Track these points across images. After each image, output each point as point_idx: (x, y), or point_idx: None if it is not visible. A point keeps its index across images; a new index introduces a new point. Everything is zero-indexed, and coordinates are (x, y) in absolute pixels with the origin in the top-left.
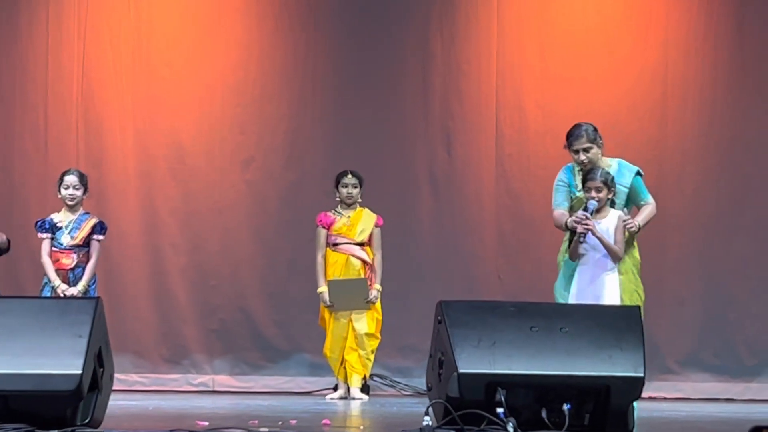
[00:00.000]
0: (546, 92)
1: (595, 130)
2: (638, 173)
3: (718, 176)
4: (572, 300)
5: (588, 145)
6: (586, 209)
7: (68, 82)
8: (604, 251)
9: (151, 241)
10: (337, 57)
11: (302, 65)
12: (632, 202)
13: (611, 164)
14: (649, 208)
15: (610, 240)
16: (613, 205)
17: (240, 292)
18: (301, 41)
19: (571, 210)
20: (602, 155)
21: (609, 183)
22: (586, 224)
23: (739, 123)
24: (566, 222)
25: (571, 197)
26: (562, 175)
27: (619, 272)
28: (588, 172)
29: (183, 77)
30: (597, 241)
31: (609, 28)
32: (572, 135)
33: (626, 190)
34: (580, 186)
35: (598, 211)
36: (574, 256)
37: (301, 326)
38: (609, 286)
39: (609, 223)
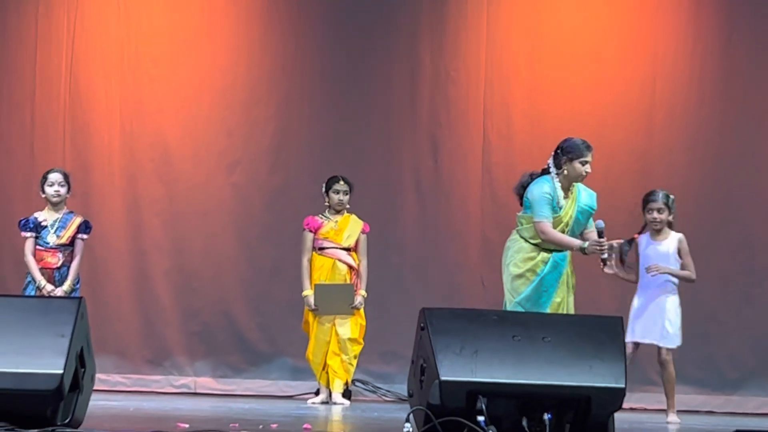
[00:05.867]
0: (533, 101)
1: None
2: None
3: (702, 190)
4: (632, 315)
5: (591, 159)
6: (600, 234)
7: (56, 82)
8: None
9: (136, 243)
10: (326, 62)
11: (290, 70)
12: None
13: (573, 186)
14: None
15: (675, 265)
16: (671, 227)
17: (223, 296)
18: (289, 46)
19: (601, 234)
20: None
21: (669, 204)
22: (602, 248)
23: (724, 138)
24: (584, 248)
25: (554, 216)
26: (547, 188)
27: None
28: (649, 194)
29: (171, 79)
30: (661, 263)
31: (598, 39)
32: (587, 146)
33: (592, 212)
34: (561, 201)
35: (658, 232)
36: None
37: (283, 330)
38: (669, 308)
39: (669, 245)
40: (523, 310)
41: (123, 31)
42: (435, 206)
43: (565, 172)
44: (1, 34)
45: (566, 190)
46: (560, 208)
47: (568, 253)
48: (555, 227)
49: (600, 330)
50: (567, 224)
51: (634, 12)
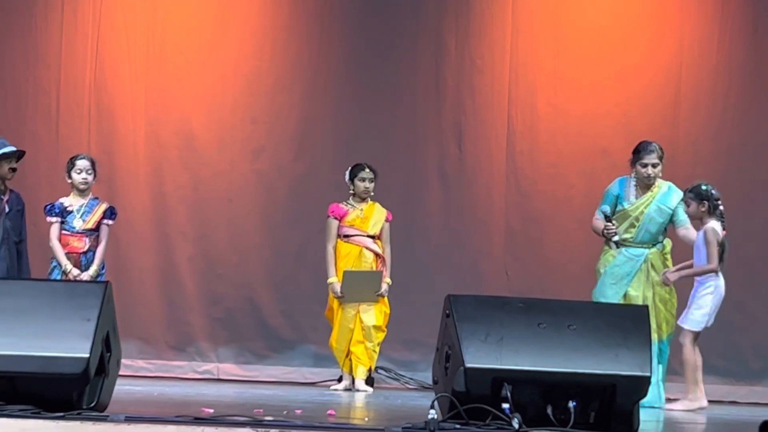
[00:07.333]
0: (558, 91)
1: (662, 149)
2: (683, 199)
3: (727, 180)
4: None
5: (656, 160)
6: (606, 218)
7: (81, 67)
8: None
9: (160, 229)
10: (351, 49)
11: (315, 56)
12: (673, 223)
13: (662, 185)
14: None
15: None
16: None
17: (246, 282)
18: (315, 33)
19: (608, 218)
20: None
21: (692, 196)
22: (610, 231)
23: (750, 127)
24: (602, 230)
25: (616, 209)
26: (612, 188)
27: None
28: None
29: (196, 65)
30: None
31: (624, 28)
32: (645, 149)
33: (670, 212)
34: (631, 198)
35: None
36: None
37: (306, 317)
38: (698, 294)
39: (700, 236)
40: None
41: (148, 17)
42: (459, 194)
43: (634, 173)
44: (28, 21)
45: (644, 188)
46: (629, 204)
47: (648, 250)
48: (623, 221)
49: (626, 318)
50: (637, 218)
51: (660, 1)
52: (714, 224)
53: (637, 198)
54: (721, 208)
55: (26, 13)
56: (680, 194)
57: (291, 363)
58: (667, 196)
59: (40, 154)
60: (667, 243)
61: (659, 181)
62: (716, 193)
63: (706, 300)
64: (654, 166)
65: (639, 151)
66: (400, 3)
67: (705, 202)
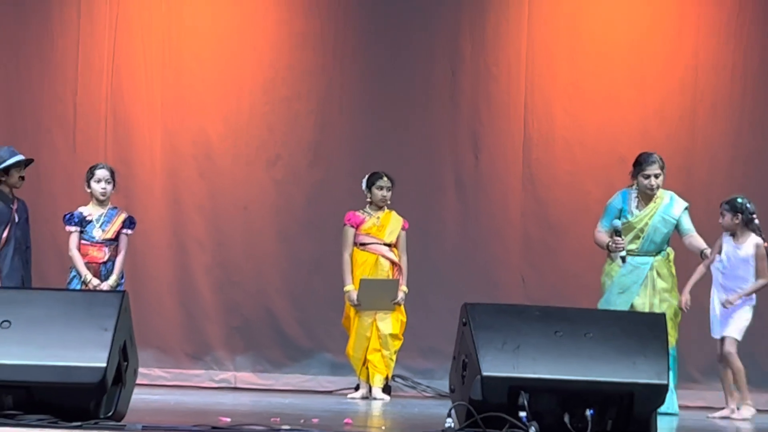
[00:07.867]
0: (575, 99)
1: (663, 160)
2: (686, 208)
3: (745, 187)
4: (720, 313)
5: (659, 171)
6: (616, 233)
7: (98, 77)
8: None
9: (177, 238)
10: (367, 58)
11: (331, 65)
12: (678, 232)
13: (663, 196)
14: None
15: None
16: (750, 225)
17: (263, 290)
18: (330, 41)
19: (618, 233)
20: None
21: (729, 208)
22: (617, 246)
23: (767, 134)
24: (609, 246)
25: (622, 222)
26: (614, 200)
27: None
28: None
29: (212, 75)
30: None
31: (639, 36)
32: (646, 161)
33: (674, 221)
34: (634, 210)
35: (733, 234)
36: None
37: (323, 325)
38: (744, 305)
39: (748, 249)
40: None
41: (165, 26)
42: (475, 203)
43: (635, 185)
44: (44, 29)
45: (646, 199)
46: (633, 216)
47: (653, 258)
48: (628, 232)
49: (643, 326)
50: (642, 230)
51: (676, 7)
52: (760, 239)
53: (640, 210)
54: (757, 221)
55: (42, 21)
56: (683, 204)
57: (308, 371)
58: (669, 206)
59: (57, 163)
60: (671, 251)
61: (661, 191)
62: (751, 207)
63: (749, 311)
64: (656, 176)
65: (640, 163)
66: (416, 11)
67: (739, 214)
